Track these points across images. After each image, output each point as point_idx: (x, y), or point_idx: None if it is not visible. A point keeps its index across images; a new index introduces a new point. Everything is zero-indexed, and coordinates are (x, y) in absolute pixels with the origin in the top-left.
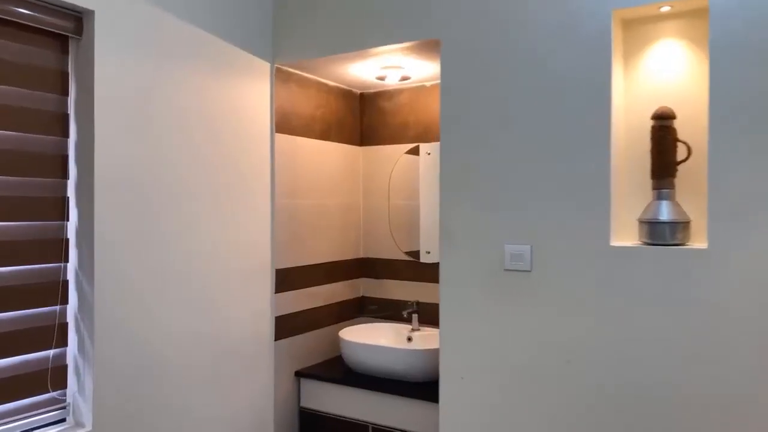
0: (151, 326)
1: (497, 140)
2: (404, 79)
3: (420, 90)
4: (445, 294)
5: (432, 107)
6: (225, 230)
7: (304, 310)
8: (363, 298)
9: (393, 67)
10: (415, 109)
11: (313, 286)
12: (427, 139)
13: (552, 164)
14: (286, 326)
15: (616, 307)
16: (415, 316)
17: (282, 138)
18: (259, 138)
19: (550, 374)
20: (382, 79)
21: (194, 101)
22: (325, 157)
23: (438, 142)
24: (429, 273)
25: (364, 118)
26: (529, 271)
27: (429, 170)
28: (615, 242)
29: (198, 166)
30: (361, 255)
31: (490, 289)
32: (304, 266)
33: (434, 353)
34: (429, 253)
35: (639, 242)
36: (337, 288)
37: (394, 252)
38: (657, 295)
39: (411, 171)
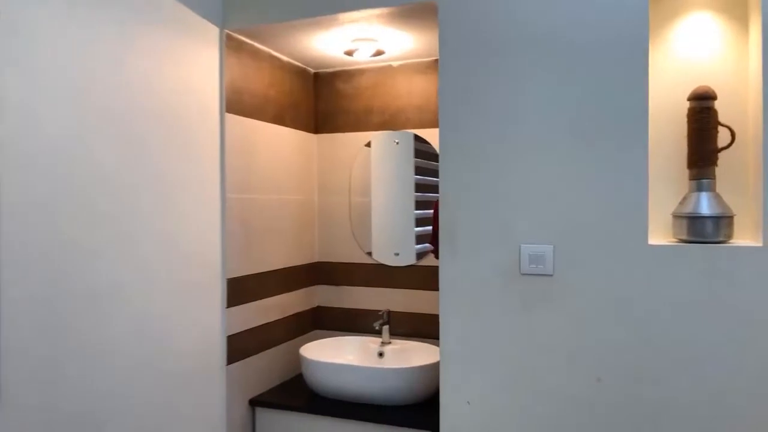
0: (72, 359)
1: (510, 124)
2: (378, 54)
3: (386, 71)
4: (446, 304)
5: (400, 90)
6: (166, 233)
7: (258, 326)
8: (319, 308)
9: (366, 39)
10: (379, 93)
11: (268, 297)
12: (394, 127)
13: (577, 151)
14: (238, 347)
15: (654, 315)
16: (385, 328)
17: (233, 120)
18: (206, 118)
19: (577, 395)
20: (350, 54)
21: (121, 69)
22: (280, 145)
23: (409, 131)
24: (399, 278)
25: (318, 102)
26: (551, 276)
27: (400, 161)
28: (652, 240)
29: (129, 153)
30: (316, 259)
31: (503, 297)
32: (257, 274)
33: (416, 372)
34: (398, 254)
35: (675, 240)
36: (292, 298)
37: (356, 255)
38: (703, 301)
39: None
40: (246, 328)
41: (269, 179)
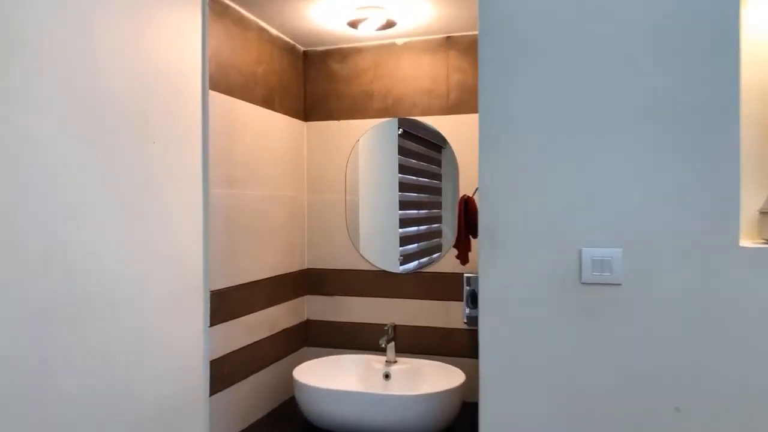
0: (15, 397)
1: (568, 106)
2: (388, 26)
3: (388, 50)
4: (487, 320)
5: (406, 72)
6: (135, 237)
7: (244, 347)
8: (308, 322)
9: (374, 7)
10: (380, 75)
11: (255, 311)
12: (398, 114)
13: (654, 136)
14: (223, 373)
15: (747, 332)
16: (391, 345)
17: (218, 99)
18: (186, 95)
19: (653, 428)
20: (355, 25)
21: (83, 33)
22: (269, 132)
23: (416, 118)
24: (404, 286)
25: (308, 85)
26: (619, 285)
27: (405, 153)
28: (744, 242)
29: (89, 138)
30: (306, 266)
31: (558, 311)
32: (243, 285)
33: (435, 399)
34: (403, 259)
35: (762, 241)
36: (280, 312)
37: (353, 260)
38: None
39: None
40: (231, 350)
41: (256, 172)
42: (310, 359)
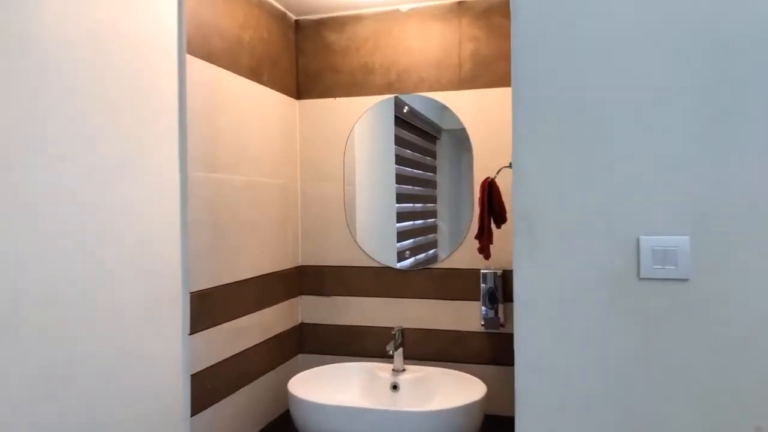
0: None
1: (617, 68)
2: None
3: (391, 18)
4: (524, 325)
5: (412, 42)
6: (101, 228)
7: (231, 357)
8: (303, 326)
9: None
10: (382, 45)
11: (243, 315)
12: (403, 90)
13: (730, 95)
14: (206, 388)
15: None
16: (399, 352)
17: (197, 66)
18: (160, 60)
19: None
20: None
21: None
22: (256, 109)
23: (424, 94)
24: (412, 284)
25: (301, 59)
26: (687, 280)
27: (411, 135)
28: None
29: (45, 108)
30: (300, 262)
31: (610, 313)
32: (230, 285)
33: (453, 414)
34: (409, 254)
35: None
36: (272, 315)
37: (352, 255)
38: None
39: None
40: (216, 362)
41: (243, 154)
42: (307, 368)
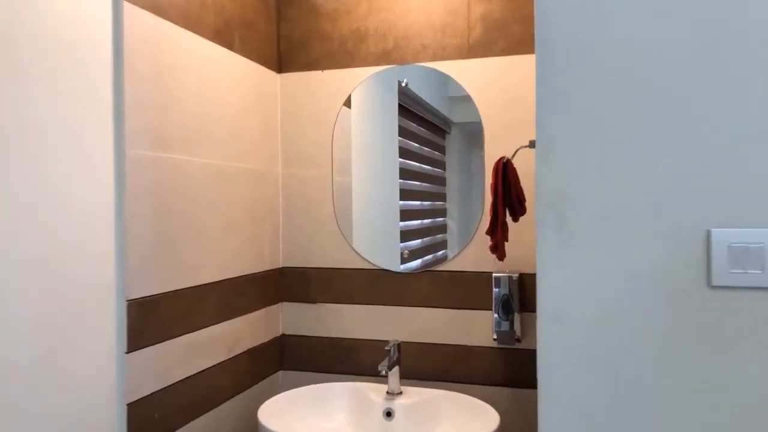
0: None
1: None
2: None
3: None
4: (550, 343)
5: (411, 3)
6: (15, 226)
7: (187, 379)
8: (284, 338)
9: None
10: (376, 8)
11: (204, 326)
12: (401, 60)
13: None
14: (150, 420)
15: None
16: (394, 371)
17: (141, 17)
18: (85, 7)
19: None
20: None
21: None
22: (228, 80)
23: (426, 64)
24: (410, 290)
25: (283, 25)
26: None
27: (411, 114)
28: None
29: None
30: (281, 264)
31: (668, 331)
32: (185, 290)
33: None
34: (408, 255)
35: None
36: (245, 325)
37: (342, 256)
38: None
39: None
40: (165, 385)
41: (205, 132)
42: (288, 387)
